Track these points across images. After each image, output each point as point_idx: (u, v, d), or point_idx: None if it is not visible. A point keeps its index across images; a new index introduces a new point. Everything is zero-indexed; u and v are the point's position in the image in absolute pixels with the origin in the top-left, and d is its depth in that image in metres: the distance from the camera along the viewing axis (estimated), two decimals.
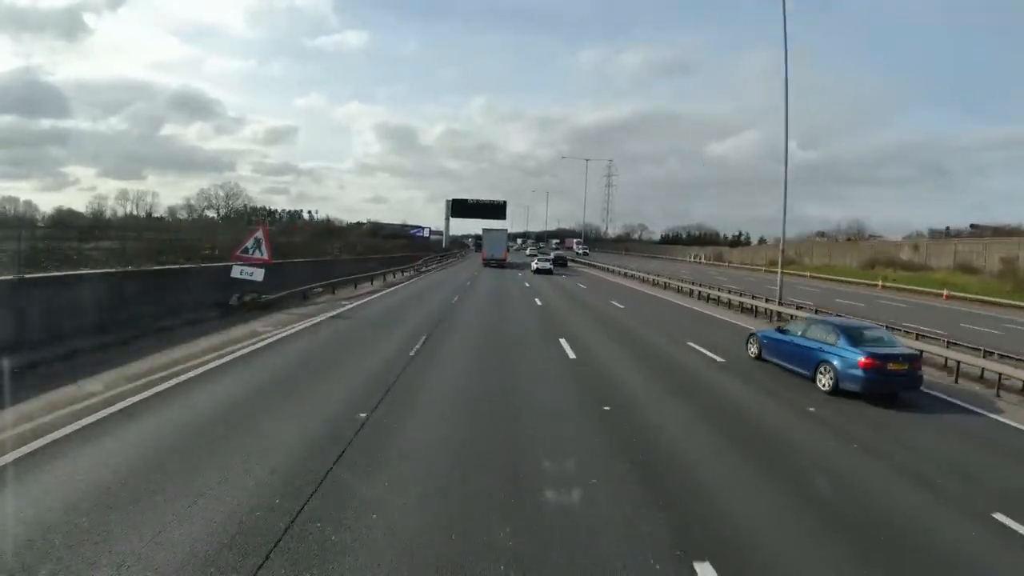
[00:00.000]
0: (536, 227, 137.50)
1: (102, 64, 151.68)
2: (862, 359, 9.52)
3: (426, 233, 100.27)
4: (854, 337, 10.17)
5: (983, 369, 11.76)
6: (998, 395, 10.86)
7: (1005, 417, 9.41)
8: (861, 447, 7.34)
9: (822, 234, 76.30)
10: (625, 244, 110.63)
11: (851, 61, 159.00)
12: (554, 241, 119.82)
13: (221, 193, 65.90)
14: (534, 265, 43.64)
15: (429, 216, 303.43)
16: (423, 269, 39.17)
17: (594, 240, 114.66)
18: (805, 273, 50.90)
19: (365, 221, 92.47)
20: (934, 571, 4.44)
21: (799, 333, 11.46)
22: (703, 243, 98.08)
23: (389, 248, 46.54)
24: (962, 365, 12.07)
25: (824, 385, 10.08)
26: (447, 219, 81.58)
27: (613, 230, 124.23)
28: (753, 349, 12.78)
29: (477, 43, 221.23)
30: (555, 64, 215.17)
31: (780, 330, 12.38)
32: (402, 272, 33.29)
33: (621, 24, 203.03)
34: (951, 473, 6.60)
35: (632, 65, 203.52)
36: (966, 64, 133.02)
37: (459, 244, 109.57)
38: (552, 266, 44.65)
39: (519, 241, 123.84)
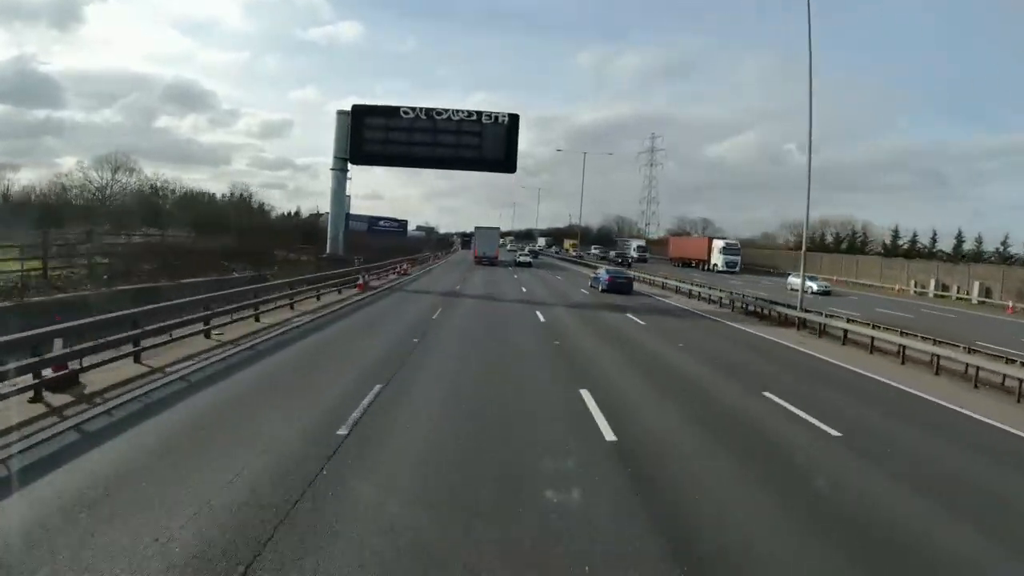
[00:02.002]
0: (541, 225, 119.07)
1: (95, 55, 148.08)
2: (607, 278, 29.66)
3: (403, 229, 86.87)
4: (609, 271, 30.70)
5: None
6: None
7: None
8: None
9: None
10: None
11: (851, 67, 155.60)
12: (636, 247, 71.23)
13: (107, 167, 45.89)
14: (517, 259, 54.37)
15: (428, 214, 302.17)
16: None
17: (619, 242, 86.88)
18: None
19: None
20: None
21: (599, 271, 31.87)
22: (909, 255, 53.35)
23: None
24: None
25: (599, 289, 29.89)
26: (339, 152, 34.59)
27: (656, 228, 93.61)
28: (590, 283, 32.92)
29: (476, 43, 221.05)
30: (554, 65, 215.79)
31: (594, 273, 32.78)
32: None
33: (620, 26, 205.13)
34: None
35: (631, 67, 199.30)
36: (965, 71, 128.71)
37: (444, 243, 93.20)
38: (531, 259, 55.94)
39: (541, 242, 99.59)
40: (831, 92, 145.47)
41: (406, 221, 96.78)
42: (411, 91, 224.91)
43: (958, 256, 51.73)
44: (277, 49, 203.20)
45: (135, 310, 10.11)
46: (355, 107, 34.04)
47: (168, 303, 11.50)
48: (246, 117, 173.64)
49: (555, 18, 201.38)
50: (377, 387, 8.77)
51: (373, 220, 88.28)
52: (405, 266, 32.16)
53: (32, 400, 7.27)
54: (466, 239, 74.06)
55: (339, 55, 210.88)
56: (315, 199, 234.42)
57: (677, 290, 30.90)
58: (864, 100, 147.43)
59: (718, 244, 58.00)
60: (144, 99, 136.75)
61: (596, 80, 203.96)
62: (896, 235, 61.47)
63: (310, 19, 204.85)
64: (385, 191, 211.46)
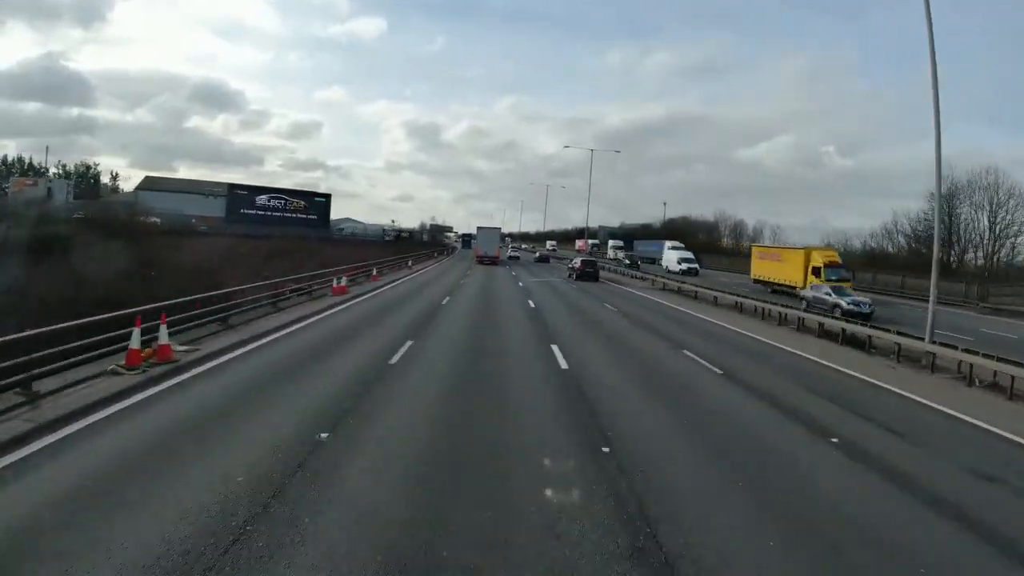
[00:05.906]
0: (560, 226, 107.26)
1: (124, 54, 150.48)
2: (536, 257, 46.78)
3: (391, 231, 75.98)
4: (540, 258, 48.15)
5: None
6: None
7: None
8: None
9: None
10: None
11: (891, 70, 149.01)
12: None
13: None
14: (509, 254, 59.26)
15: (458, 216, 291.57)
16: None
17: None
18: None
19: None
20: None
21: (536, 255, 49.20)
22: None
23: None
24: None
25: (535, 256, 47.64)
26: None
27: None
28: (527, 256, 49.26)
29: (505, 44, 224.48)
30: (582, 66, 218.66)
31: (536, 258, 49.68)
32: None
33: (648, 27, 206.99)
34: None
35: (660, 67, 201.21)
36: (1004, 78, 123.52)
37: (435, 243, 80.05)
38: (518, 255, 59.98)
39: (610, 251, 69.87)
40: (870, 97, 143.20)
41: (326, 200, 59.29)
42: (436, 96, 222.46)
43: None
44: (303, 49, 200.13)
45: None
46: None
47: None
48: (276, 118, 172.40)
49: (582, 19, 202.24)
50: None
51: (241, 195, 53.45)
52: None
53: None
54: (467, 239, 77.10)
55: (365, 55, 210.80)
56: (351, 201, 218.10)
57: None
58: (903, 106, 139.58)
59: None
60: (174, 99, 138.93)
61: (625, 81, 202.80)
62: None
63: (332, 16, 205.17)
64: (415, 193, 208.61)
